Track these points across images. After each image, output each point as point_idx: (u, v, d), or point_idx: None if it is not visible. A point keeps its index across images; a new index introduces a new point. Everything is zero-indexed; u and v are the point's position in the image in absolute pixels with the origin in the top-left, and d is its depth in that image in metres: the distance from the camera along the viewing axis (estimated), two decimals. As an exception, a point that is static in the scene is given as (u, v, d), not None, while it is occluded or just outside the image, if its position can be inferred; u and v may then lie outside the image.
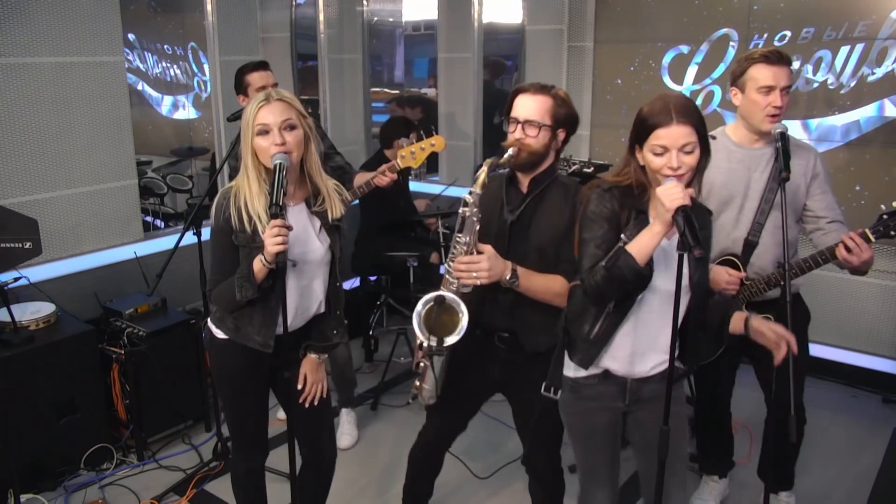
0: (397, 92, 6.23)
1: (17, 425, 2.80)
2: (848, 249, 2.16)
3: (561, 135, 2.13)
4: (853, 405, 3.77)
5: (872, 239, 2.16)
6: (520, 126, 2.09)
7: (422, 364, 2.19)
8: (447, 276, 2.09)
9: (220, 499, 2.96)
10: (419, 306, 2.05)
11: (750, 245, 2.42)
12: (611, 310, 1.84)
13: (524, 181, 2.16)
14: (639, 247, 1.73)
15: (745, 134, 2.42)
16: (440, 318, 2.06)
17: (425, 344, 2.07)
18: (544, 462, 2.34)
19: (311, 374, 2.25)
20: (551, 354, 2.06)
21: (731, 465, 2.89)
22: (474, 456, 3.16)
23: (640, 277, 1.74)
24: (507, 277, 2.02)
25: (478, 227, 2.04)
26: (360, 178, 3.06)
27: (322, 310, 2.22)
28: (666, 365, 1.90)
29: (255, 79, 3.07)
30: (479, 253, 2.02)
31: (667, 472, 1.87)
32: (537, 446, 2.30)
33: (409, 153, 2.91)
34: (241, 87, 3.11)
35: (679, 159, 1.72)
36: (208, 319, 2.25)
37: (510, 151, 2.06)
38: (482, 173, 2.04)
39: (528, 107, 2.08)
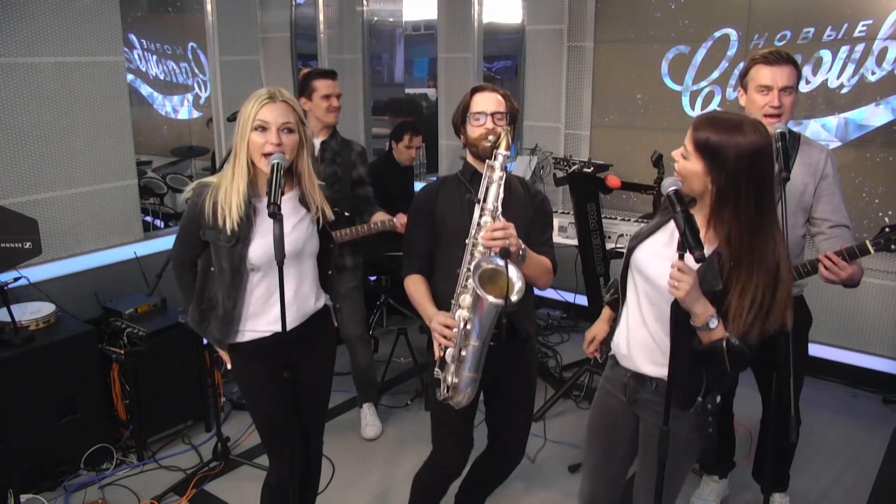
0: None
1: (17, 425, 2.80)
2: (826, 267, 2.16)
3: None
4: (853, 405, 3.77)
5: (872, 251, 2.14)
6: (490, 117, 2.13)
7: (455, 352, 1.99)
8: (472, 251, 2.00)
9: (220, 499, 2.96)
10: (477, 268, 1.93)
11: None
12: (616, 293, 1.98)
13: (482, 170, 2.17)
14: None
15: None
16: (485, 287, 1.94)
17: (488, 298, 1.87)
18: (519, 444, 2.36)
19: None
20: (532, 343, 2.26)
21: (732, 465, 2.89)
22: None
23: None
24: (521, 249, 1.98)
25: (502, 195, 2.01)
26: (376, 218, 3.16)
27: (320, 304, 2.20)
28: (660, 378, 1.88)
29: (323, 86, 3.08)
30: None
31: (643, 476, 1.91)
32: (518, 430, 2.34)
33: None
34: (305, 90, 3.12)
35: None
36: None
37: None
38: (504, 134, 2.03)
39: (492, 101, 2.14)
